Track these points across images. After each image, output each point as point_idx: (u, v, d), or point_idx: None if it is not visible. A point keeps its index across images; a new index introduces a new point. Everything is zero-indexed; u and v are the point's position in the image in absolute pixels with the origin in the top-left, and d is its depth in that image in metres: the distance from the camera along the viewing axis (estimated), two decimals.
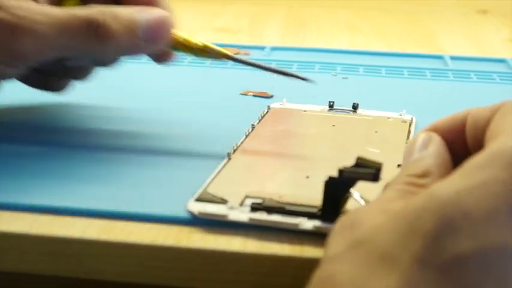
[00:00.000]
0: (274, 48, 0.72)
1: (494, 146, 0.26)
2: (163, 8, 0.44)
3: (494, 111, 0.29)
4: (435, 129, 0.31)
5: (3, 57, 0.39)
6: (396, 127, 0.45)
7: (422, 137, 0.30)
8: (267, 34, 0.83)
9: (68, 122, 0.46)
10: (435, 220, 0.23)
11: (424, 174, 0.28)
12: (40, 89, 0.47)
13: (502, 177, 0.23)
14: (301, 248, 0.31)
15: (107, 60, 0.45)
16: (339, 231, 0.26)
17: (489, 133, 0.28)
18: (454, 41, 0.82)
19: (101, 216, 0.33)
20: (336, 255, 0.25)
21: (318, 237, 0.31)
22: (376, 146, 0.41)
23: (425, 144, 0.30)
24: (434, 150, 0.29)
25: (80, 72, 0.48)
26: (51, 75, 0.46)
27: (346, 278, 0.24)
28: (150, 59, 0.45)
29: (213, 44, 0.44)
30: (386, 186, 0.29)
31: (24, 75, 0.43)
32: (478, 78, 0.62)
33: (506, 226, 0.23)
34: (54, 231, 0.32)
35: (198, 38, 0.44)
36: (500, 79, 0.62)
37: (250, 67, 0.44)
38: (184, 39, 0.43)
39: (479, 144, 0.29)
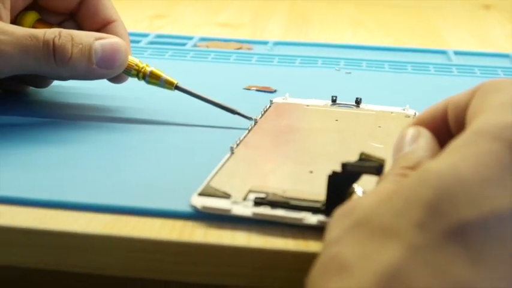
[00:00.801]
0: (277, 43, 0.72)
1: (478, 123, 0.26)
2: (119, 31, 0.46)
3: (472, 95, 0.30)
4: (421, 123, 0.32)
5: None
6: (399, 122, 0.45)
7: (411, 131, 0.31)
8: (269, 29, 0.83)
9: (68, 114, 0.46)
10: (432, 190, 0.24)
11: (416, 166, 0.28)
12: None
13: (493, 148, 0.25)
14: (305, 243, 0.31)
15: (64, 78, 0.46)
16: (338, 218, 0.27)
17: (469, 114, 0.29)
18: (458, 36, 0.82)
19: (105, 211, 0.33)
20: (338, 238, 0.26)
21: (322, 232, 0.30)
22: (379, 140, 0.41)
23: (415, 138, 0.30)
24: (424, 143, 0.30)
25: (38, 81, 0.49)
26: (9, 79, 0.45)
27: (351, 256, 0.24)
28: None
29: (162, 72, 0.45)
30: (380, 180, 0.29)
31: None
32: (481, 73, 0.62)
33: (501, 193, 0.24)
34: (58, 226, 0.32)
35: (151, 66, 0.45)
36: (504, 74, 0.62)
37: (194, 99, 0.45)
38: (136, 65, 0.45)
39: (462, 129, 0.29)
